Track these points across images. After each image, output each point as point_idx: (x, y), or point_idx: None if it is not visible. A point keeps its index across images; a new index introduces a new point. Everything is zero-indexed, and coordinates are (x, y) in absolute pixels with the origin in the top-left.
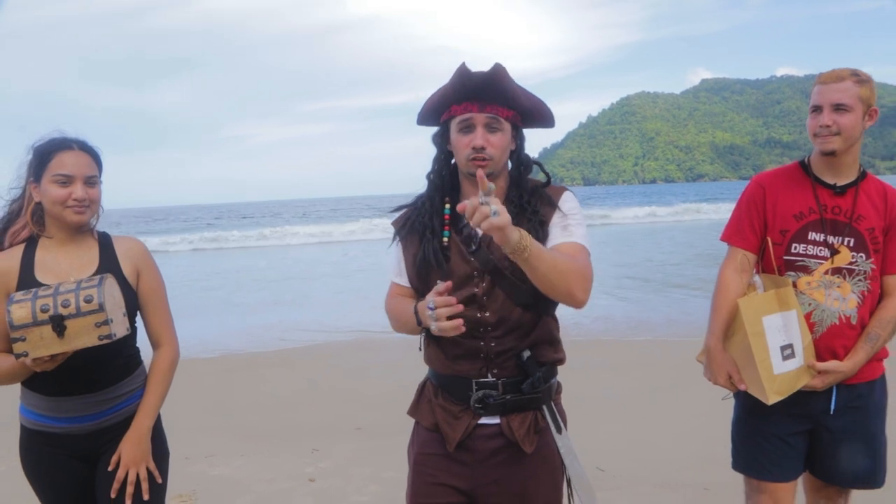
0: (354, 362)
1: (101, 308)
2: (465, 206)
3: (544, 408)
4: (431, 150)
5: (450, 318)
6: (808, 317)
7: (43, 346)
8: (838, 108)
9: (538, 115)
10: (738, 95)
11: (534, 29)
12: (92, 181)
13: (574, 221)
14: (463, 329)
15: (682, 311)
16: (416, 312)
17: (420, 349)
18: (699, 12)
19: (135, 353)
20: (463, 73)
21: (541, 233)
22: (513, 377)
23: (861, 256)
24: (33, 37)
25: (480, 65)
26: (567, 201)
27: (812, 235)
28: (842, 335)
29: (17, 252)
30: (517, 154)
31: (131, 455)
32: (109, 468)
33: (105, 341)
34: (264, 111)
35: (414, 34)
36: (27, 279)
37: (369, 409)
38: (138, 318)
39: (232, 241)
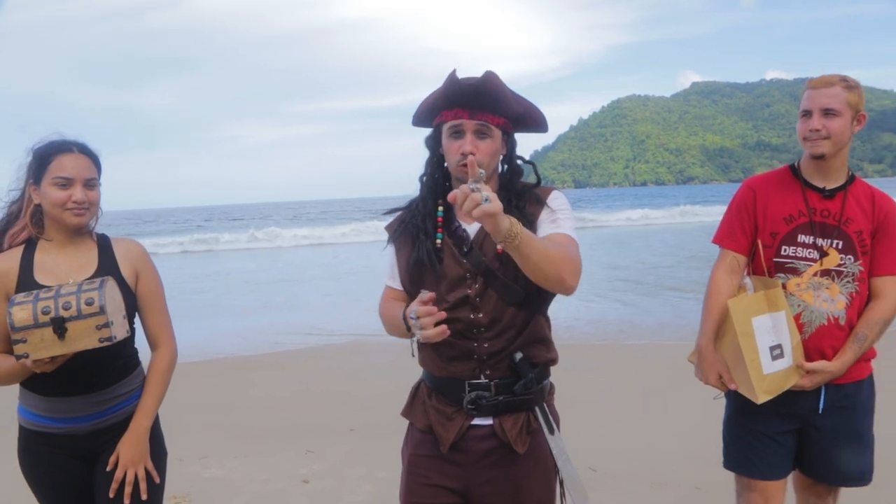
0: (347, 364)
1: (102, 310)
2: (455, 194)
3: (537, 409)
4: (424, 152)
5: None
6: (797, 318)
7: (44, 348)
8: (828, 112)
9: (530, 121)
10: (728, 99)
11: (525, 30)
12: (91, 184)
13: (563, 216)
14: (448, 333)
15: (675, 314)
16: (405, 318)
17: (413, 355)
18: (689, 15)
19: (133, 354)
20: (453, 82)
21: (530, 230)
22: (505, 378)
23: (849, 258)
24: (22, 37)
25: (472, 68)
26: (555, 199)
27: (801, 238)
28: (830, 336)
29: (16, 254)
30: (508, 159)
31: (130, 455)
32: (108, 468)
33: (105, 343)
34: (254, 112)
35: (405, 36)
36: (26, 281)
37: (363, 410)
38: (136, 320)
39: (222, 243)
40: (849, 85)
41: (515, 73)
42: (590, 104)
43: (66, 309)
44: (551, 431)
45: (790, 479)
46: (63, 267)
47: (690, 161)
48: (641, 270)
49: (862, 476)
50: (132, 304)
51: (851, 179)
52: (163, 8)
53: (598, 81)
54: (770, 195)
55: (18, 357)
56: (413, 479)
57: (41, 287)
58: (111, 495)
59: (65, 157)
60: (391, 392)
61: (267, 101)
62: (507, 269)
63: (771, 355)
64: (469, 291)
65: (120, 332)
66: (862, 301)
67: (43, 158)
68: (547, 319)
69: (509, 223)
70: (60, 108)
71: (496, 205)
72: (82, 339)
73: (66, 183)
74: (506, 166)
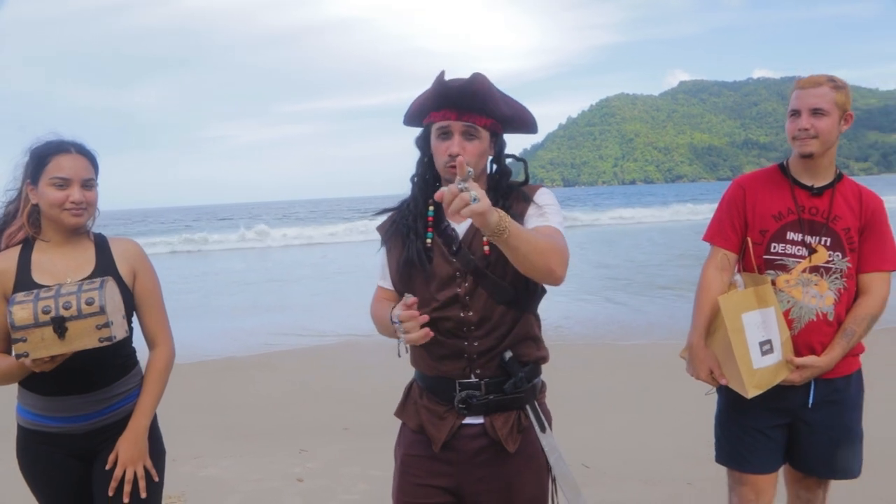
0: (340, 364)
1: (102, 310)
2: (442, 193)
3: (527, 407)
4: (415, 152)
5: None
6: (786, 314)
7: (44, 347)
8: (816, 112)
9: (519, 123)
10: (716, 97)
11: (513, 30)
12: (89, 184)
13: (550, 210)
14: (431, 336)
15: (666, 312)
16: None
17: (399, 356)
18: (677, 14)
19: (131, 354)
20: (441, 83)
21: None
22: (495, 377)
23: (837, 255)
24: (6, 34)
25: (461, 67)
26: (542, 195)
27: (790, 235)
28: (819, 331)
29: (13, 254)
30: (496, 160)
31: (129, 454)
32: (107, 467)
33: (105, 343)
34: (244, 112)
35: (394, 35)
36: (24, 281)
37: (357, 409)
38: (134, 319)
39: (211, 243)
40: (836, 85)
41: (505, 73)
42: (579, 103)
43: (66, 308)
44: (542, 429)
45: (781, 472)
46: (60, 266)
47: (679, 159)
48: (631, 269)
49: (850, 469)
50: (130, 304)
51: (839, 178)
52: (150, 6)
53: (587, 80)
54: (760, 193)
55: (18, 356)
56: (405, 479)
57: (39, 287)
58: (110, 494)
59: (63, 158)
60: (385, 391)
61: (256, 100)
62: (496, 268)
63: (761, 350)
64: (459, 290)
65: (120, 331)
66: (850, 297)
67: (41, 158)
68: (537, 318)
69: (498, 217)
70: (46, 107)
71: (485, 203)
72: (82, 338)
73: (64, 183)
74: (495, 167)
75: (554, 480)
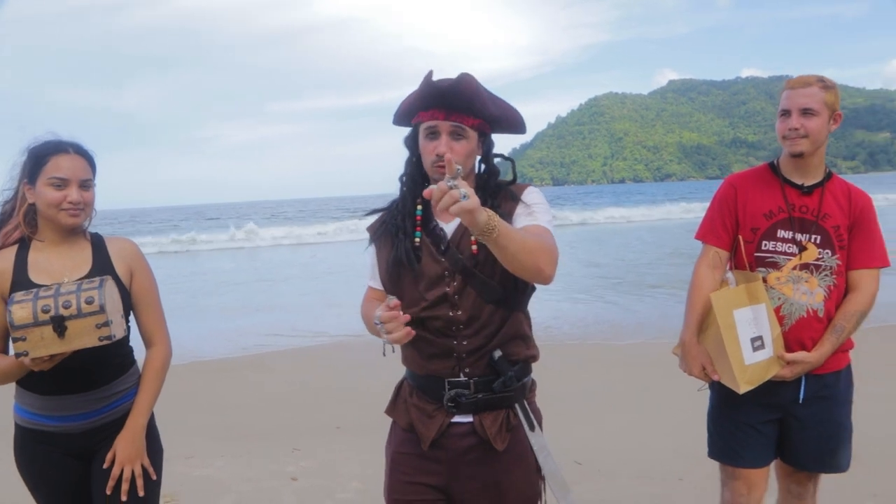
0: (332, 364)
1: (101, 309)
2: (431, 190)
3: (517, 406)
4: (404, 152)
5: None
6: (777, 310)
7: (43, 346)
8: (806, 112)
9: (508, 123)
10: (705, 96)
11: (504, 29)
12: (87, 185)
13: (538, 209)
14: (413, 335)
15: (657, 311)
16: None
17: (384, 355)
18: (666, 14)
19: (129, 353)
20: (428, 83)
21: None
22: (484, 376)
23: (827, 253)
24: (9, 34)
25: (451, 67)
26: (530, 194)
27: (781, 233)
28: (809, 327)
29: (9, 253)
30: (484, 159)
31: (126, 452)
32: (105, 466)
33: (105, 342)
34: (235, 111)
35: (384, 35)
36: (21, 280)
37: (350, 408)
38: (132, 318)
39: (200, 243)
40: (826, 85)
41: (494, 72)
42: (568, 102)
43: (66, 307)
44: (531, 428)
45: (772, 466)
46: (57, 266)
47: (668, 158)
48: (622, 268)
49: (840, 463)
50: (127, 302)
51: (829, 176)
52: (144, 6)
53: (576, 79)
54: (750, 192)
55: (17, 355)
56: (396, 477)
57: (37, 287)
58: (108, 492)
59: (61, 158)
60: (377, 390)
61: (247, 100)
62: (485, 267)
63: (752, 346)
64: (447, 289)
65: (119, 331)
66: (839, 294)
67: (39, 158)
68: (527, 316)
69: (486, 216)
70: (35, 105)
71: (474, 200)
72: (82, 337)
73: (62, 183)
74: (483, 166)
75: (543, 479)
